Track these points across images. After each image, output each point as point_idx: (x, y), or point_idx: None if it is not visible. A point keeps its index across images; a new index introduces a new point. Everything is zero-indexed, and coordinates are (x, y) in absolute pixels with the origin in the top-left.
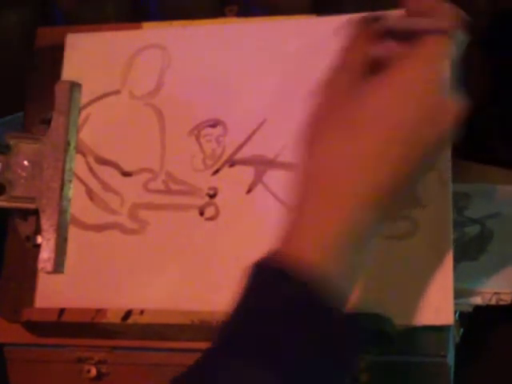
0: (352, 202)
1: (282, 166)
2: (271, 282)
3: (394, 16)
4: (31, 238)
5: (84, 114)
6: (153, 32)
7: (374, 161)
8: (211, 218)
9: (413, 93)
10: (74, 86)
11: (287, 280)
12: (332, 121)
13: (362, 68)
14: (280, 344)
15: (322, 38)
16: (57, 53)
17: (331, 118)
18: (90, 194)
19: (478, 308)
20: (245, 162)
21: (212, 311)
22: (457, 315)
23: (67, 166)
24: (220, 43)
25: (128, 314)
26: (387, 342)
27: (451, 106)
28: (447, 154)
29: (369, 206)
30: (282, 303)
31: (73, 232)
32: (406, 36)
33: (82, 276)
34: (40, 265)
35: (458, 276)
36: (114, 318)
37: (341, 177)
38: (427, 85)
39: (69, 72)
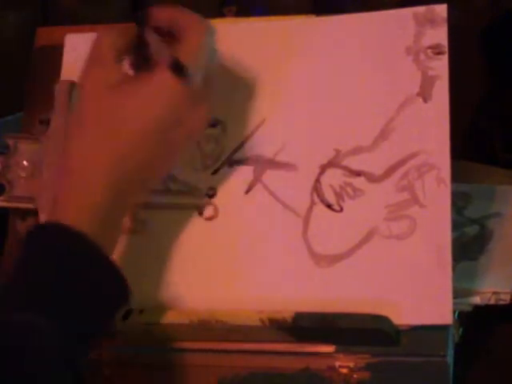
0: (104, 181)
1: (281, 165)
2: (40, 239)
3: (158, 12)
4: None
5: None
6: None
7: (132, 148)
8: (210, 218)
9: (166, 96)
10: (74, 86)
11: (50, 236)
12: (93, 118)
13: (115, 62)
14: (51, 291)
15: (321, 38)
16: (56, 53)
17: (91, 115)
18: None
19: (477, 308)
20: (244, 161)
21: (211, 310)
22: (456, 315)
23: None
24: (219, 43)
25: (128, 313)
26: (387, 341)
27: (199, 112)
28: (447, 153)
29: (124, 181)
30: (48, 254)
31: None
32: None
33: None
34: None
35: (457, 276)
36: None
37: (99, 162)
38: (177, 92)
39: (68, 72)
